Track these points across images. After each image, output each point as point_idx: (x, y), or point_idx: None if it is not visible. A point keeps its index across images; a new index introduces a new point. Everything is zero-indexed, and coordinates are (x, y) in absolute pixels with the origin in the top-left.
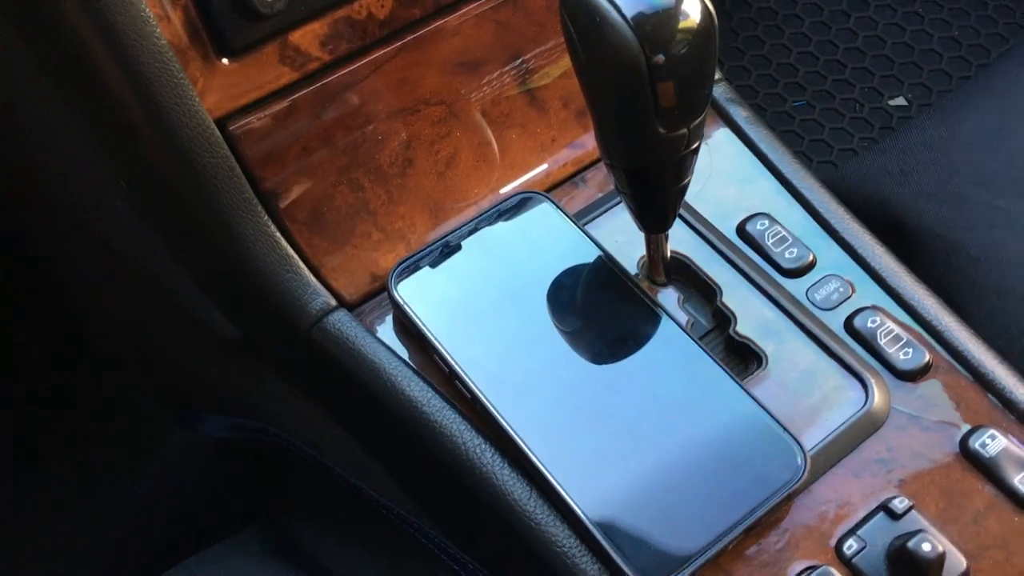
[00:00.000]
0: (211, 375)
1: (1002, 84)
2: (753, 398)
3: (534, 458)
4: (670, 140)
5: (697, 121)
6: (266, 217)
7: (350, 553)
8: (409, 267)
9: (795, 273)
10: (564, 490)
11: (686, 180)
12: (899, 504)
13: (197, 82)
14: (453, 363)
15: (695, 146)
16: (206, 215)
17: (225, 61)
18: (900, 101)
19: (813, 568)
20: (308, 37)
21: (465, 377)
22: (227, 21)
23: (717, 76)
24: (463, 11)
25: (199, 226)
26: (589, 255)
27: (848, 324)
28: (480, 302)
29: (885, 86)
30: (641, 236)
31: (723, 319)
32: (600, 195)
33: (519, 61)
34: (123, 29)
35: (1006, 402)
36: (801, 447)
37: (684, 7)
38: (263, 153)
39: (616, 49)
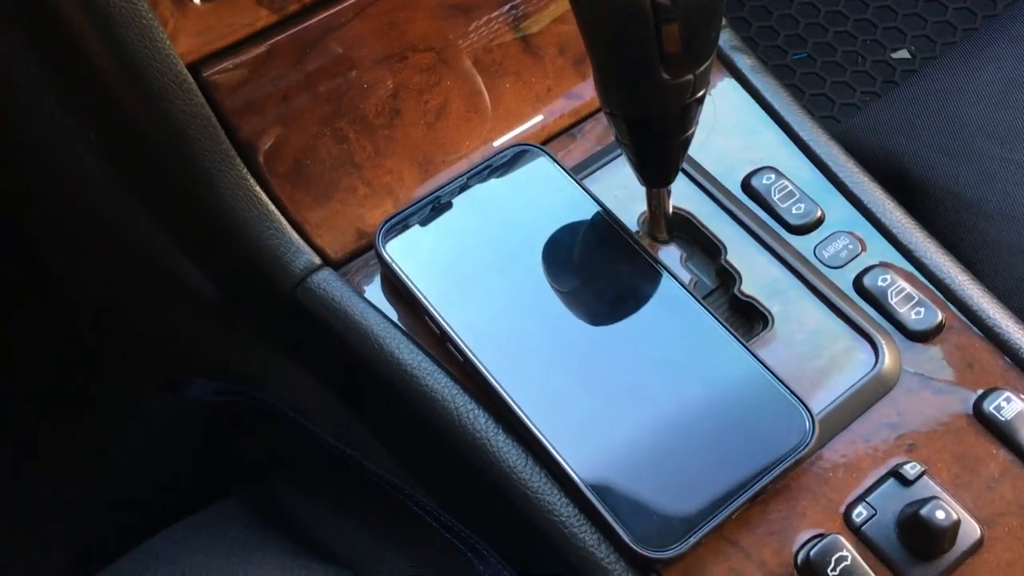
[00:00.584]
0: (194, 338)
1: (1014, 34)
2: (758, 360)
3: (529, 423)
4: (675, 87)
5: (704, 67)
6: (244, 170)
7: (340, 520)
8: (397, 224)
9: (802, 230)
10: (560, 456)
11: (691, 131)
12: (910, 470)
13: (167, 23)
14: (444, 324)
15: (700, 94)
16: (180, 167)
17: (197, 1)
18: (903, 54)
19: (821, 536)
20: None
21: (457, 339)
22: None
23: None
24: None
25: (173, 179)
26: (587, 211)
27: (857, 283)
28: (472, 260)
29: (888, 38)
30: (642, 191)
31: (727, 278)
32: (599, 148)
33: (513, 4)
34: None
35: (1022, 363)
36: (809, 411)
37: None
38: (240, 101)
39: None
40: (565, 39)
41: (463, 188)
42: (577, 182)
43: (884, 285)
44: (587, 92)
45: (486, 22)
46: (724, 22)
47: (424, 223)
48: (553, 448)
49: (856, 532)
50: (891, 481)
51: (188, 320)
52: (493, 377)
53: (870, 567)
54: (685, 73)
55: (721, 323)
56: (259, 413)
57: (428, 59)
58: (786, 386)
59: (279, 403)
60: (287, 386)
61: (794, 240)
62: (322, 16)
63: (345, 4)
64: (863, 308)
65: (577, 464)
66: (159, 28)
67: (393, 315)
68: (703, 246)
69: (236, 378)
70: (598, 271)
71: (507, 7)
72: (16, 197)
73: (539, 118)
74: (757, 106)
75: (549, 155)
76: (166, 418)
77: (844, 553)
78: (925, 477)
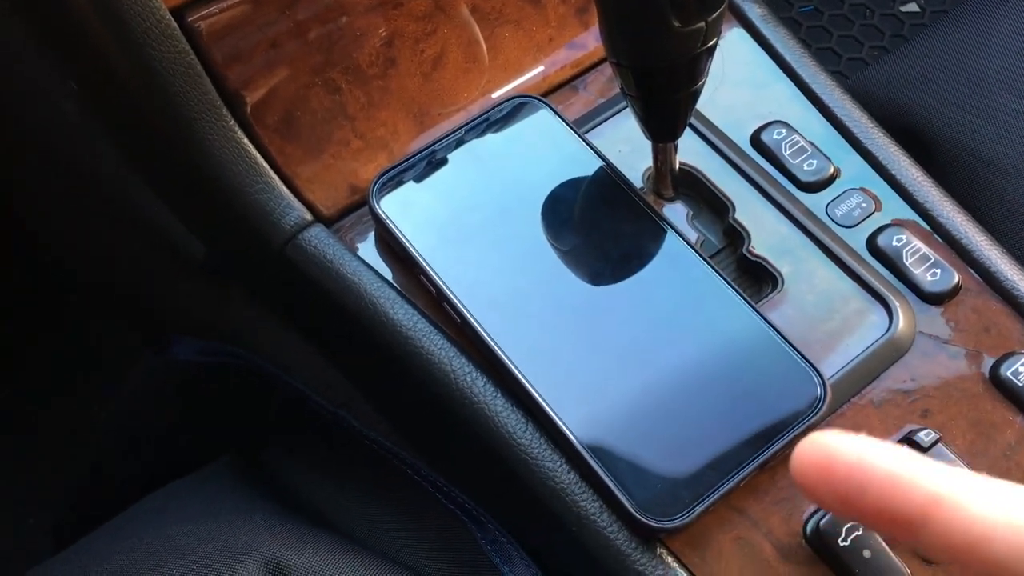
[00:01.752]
0: (178, 295)
1: None
2: (768, 322)
3: (529, 386)
4: (685, 35)
5: (716, 14)
6: (232, 121)
7: (333, 484)
8: (392, 179)
9: (814, 187)
10: (561, 420)
11: (700, 82)
12: (925, 437)
13: None
14: (441, 283)
15: (712, 43)
16: (164, 118)
17: None
18: (912, 7)
19: None
20: None
21: (454, 299)
22: None
23: None
24: None
25: (157, 131)
26: (590, 166)
27: (871, 243)
28: (470, 217)
29: None
30: (647, 146)
31: (735, 237)
32: (602, 101)
33: None
34: None
35: None
36: (820, 375)
37: None
38: (226, 48)
39: None
40: None
41: (460, 142)
42: (579, 136)
43: (899, 245)
44: (591, 42)
45: None
46: None
47: (420, 178)
48: (553, 412)
49: None
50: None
51: (174, 279)
52: (491, 338)
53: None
54: (696, 20)
55: (729, 283)
56: (248, 374)
57: (424, 6)
58: (796, 349)
59: (268, 364)
60: (276, 346)
61: (805, 198)
62: None
63: None
64: (876, 269)
65: (578, 429)
66: None
67: (388, 274)
68: (710, 203)
69: (222, 338)
70: (601, 229)
71: None
72: None
73: (540, 69)
74: (768, 58)
75: (550, 107)
76: (151, 382)
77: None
78: (940, 444)
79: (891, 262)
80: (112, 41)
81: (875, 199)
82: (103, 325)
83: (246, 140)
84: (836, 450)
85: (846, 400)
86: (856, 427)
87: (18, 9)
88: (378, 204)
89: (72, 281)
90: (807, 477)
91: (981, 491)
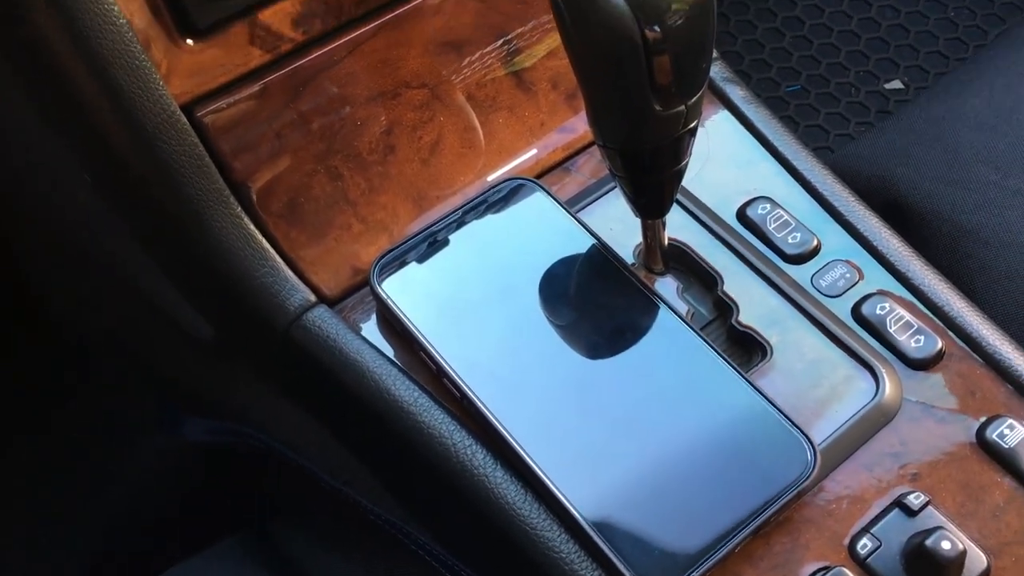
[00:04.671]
0: (188, 376)
1: (1006, 62)
2: (758, 391)
3: (528, 458)
4: (667, 119)
5: (695, 99)
6: (239, 208)
7: (338, 560)
8: (392, 260)
9: (799, 259)
10: (560, 491)
11: (684, 162)
12: (915, 500)
13: (161, 65)
14: (441, 360)
15: (693, 125)
16: (175, 207)
17: (190, 42)
18: (896, 84)
19: (826, 569)
20: (279, 16)
21: (453, 374)
22: None
23: (714, 54)
24: None
25: (168, 219)
26: (583, 244)
27: (856, 311)
28: (468, 295)
29: (881, 69)
30: (637, 223)
31: (725, 308)
32: (593, 181)
33: (504, 40)
34: (78, 8)
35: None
36: (810, 442)
37: None
38: (234, 140)
39: (608, 21)
40: (557, 74)
41: (458, 223)
42: (572, 215)
43: (883, 313)
44: (580, 126)
45: (479, 58)
46: (716, 54)
47: (419, 259)
48: (552, 483)
49: (861, 564)
50: (896, 511)
51: (181, 358)
52: (490, 412)
53: None
54: (677, 104)
55: (720, 354)
56: (254, 452)
57: (421, 96)
58: (787, 417)
59: (274, 442)
60: (282, 424)
61: (791, 270)
62: (315, 55)
63: (338, 42)
64: (862, 337)
65: (577, 499)
66: (152, 70)
67: (389, 352)
68: (700, 277)
69: (230, 417)
70: (595, 304)
71: (499, 43)
72: (6, 231)
73: (533, 152)
74: (751, 136)
75: (544, 189)
76: (159, 460)
77: None
78: (930, 507)
79: (876, 330)
80: (125, 136)
81: (858, 269)
82: (116, 402)
83: (252, 226)
84: None
85: (837, 465)
86: (847, 491)
87: (36, 106)
88: (379, 284)
89: (87, 357)
90: None
91: None
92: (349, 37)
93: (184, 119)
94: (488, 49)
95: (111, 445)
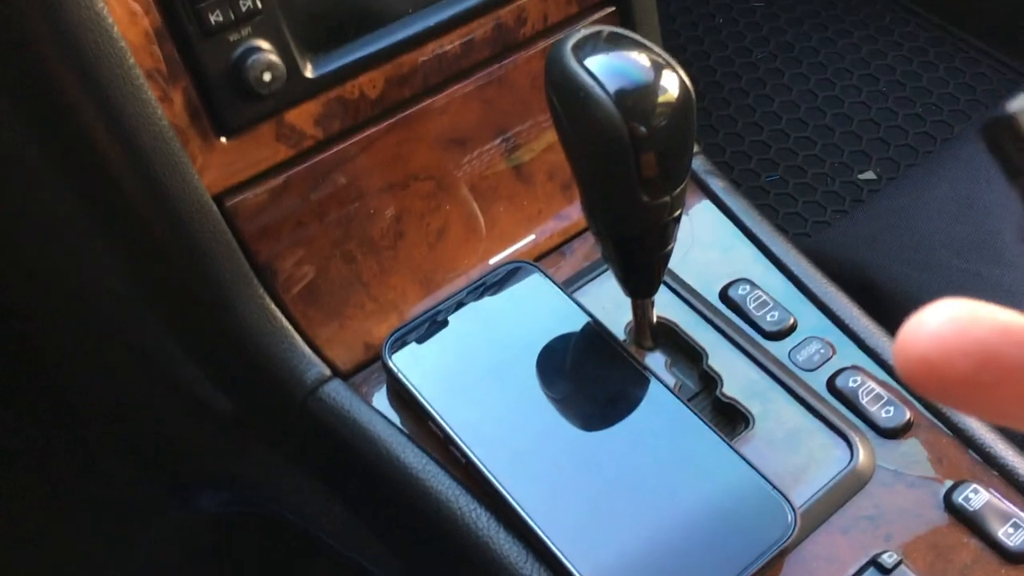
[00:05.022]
0: (203, 448)
1: (966, 154)
2: (742, 457)
3: (529, 520)
4: (654, 208)
5: (679, 190)
6: (262, 290)
7: None
8: (402, 336)
9: (777, 336)
10: (560, 552)
11: (670, 246)
12: (888, 559)
13: (196, 160)
14: (447, 429)
15: (677, 214)
16: (202, 287)
17: (223, 140)
18: (869, 175)
19: None
20: (303, 116)
21: (459, 442)
22: (226, 102)
23: (695, 149)
24: (451, 90)
25: (195, 298)
26: (578, 322)
27: (830, 384)
28: (473, 369)
29: (854, 161)
30: (628, 302)
31: (710, 381)
32: (587, 264)
33: (505, 136)
34: (125, 110)
35: (986, 457)
36: (791, 504)
37: (663, 83)
38: (259, 227)
39: (601, 123)
40: (553, 166)
41: (462, 303)
42: (568, 295)
43: (855, 386)
44: (575, 214)
45: (481, 153)
46: (698, 148)
47: (427, 336)
48: (553, 545)
49: None
50: (871, 570)
51: (198, 430)
52: (494, 477)
53: None
54: (662, 195)
55: (706, 423)
56: (269, 523)
57: (428, 187)
58: (768, 481)
59: (286, 511)
60: (295, 493)
61: (770, 345)
62: (334, 150)
63: (354, 139)
64: (837, 408)
65: (576, 560)
66: (189, 164)
67: (399, 422)
68: (686, 352)
69: (243, 487)
70: (590, 377)
71: (500, 139)
72: (31, 305)
73: (531, 238)
74: (731, 223)
75: (541, 271)
76: (173, 530)
77: None
78: (903, 566)
79: (849, 401)
80: (162, 224)
81: (832, 346)
82: (132, 475)
83: (274, 306)
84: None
85: (816, 526)
86: (825, 551)
87: (79, 195)
88: (390, 359)
89: (98, 431)
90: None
91: None
92: (364, 135)
93: (215, 208)
94: (490, 145)
95: (126, 526)
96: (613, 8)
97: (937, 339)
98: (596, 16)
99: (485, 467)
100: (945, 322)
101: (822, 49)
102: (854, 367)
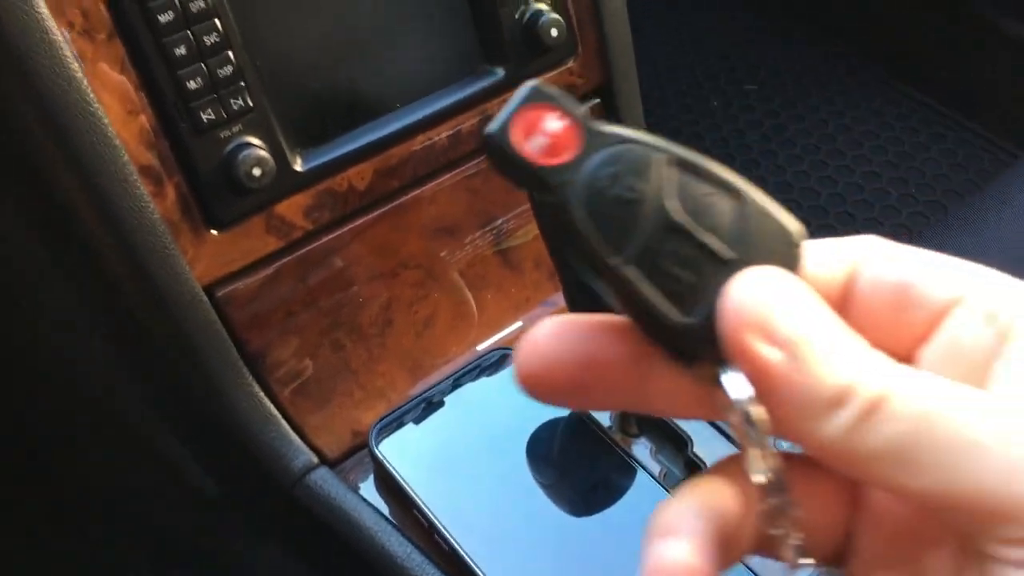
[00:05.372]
0: (189, 531)
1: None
2: None
3: None
4: None
5: None
6: (251, 378)
7: None
8: (389, 424)
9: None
10: None
11: None
12: None
13: (187, 252)
14: (432, 518)
15: None
16: (192, 375)
17: (214, 232)
18: None
19: None
20: (293, 208)
21: (444, 531)
22: (217, 196)
23: None
24: (439, 181)
25: (184, 385)
26: (563, 409)
27: None
28: (459, 456)
29: None
30: None
31: (695, 468)
32: None
33: (492, 225)
34: (119, 205)
35: None
36: None
37: None
38: (249, 316)
39: None
40: (539, 254)
41: (450, 389)
42: None
43: None
44: (561, 300)
45: (470, 241)
46: None
47: (414, 422)
48: None
49: None
50: None
51: (182, 511)
52: (477, 567)
53: None
54: None
55: None
56: None
57: (418, 275)
58: (752, 572)
59: None
60: (277, 571)
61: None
62: (323, 240)
63: (344, 229)
64: None
65: None
66: (180, 256)
67: (385, 509)
68: (671, 439)
69: (223, 568)
70: (575, 464)
71: (487, 228)
72: (21, 386)
73: (519, 324)
74: None
75: None
76: None
77: None
78: None
79: None
80: (153, 313)
81: None
82: (106, 554)
83: (263, 395)
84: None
85: None
86: None
87: (74, 285)
88: (376, 447)
89: (79, 509)
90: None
91: None
92: (354, 224)
93: (206, 299)
94: (478, 233)
95: None
96: (598, 100)
97: (539, 353)
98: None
99: (468, 556)
100: (543, 336)
101: (815, 131)
102: None
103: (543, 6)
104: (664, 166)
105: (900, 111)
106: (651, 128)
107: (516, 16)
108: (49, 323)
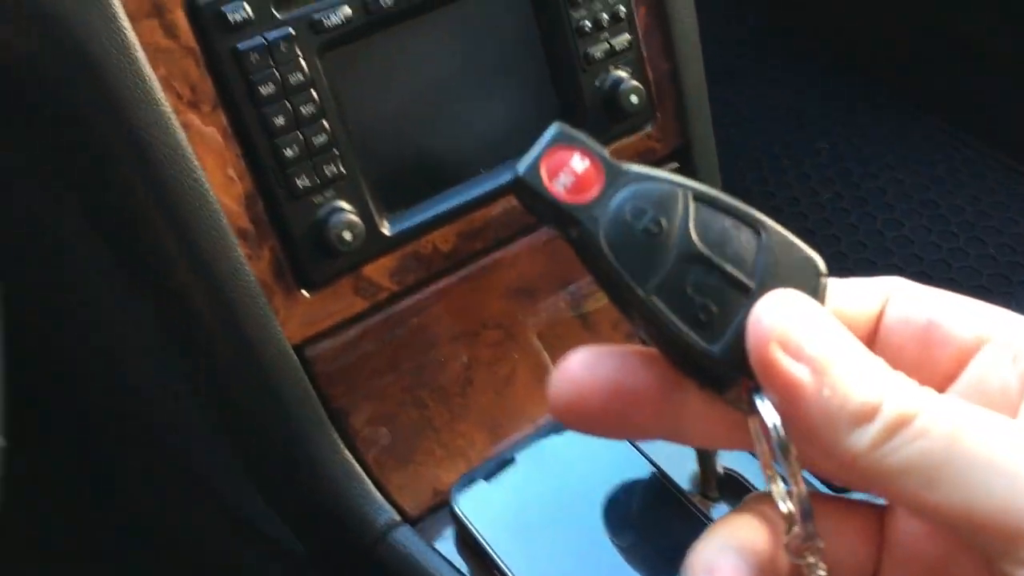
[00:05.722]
0: None
1: None
2: None
3: None
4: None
5: None
6: (336, 435)
7: None
8: (469, 483)
9: (846, 488)
10: None
11: None
12: None
13: (279, 313)
14: None
15: None
16: (279, 432)
17: (305, 293)
18: None
19: None
20: (379, 270)
21: None
22: (309, 259)
23: None
24: (519, 244)
25: (271, 441)
26: (643, 470)
27: None
28: (538, 516)
29: None
30: (693, 452)
31: None
32: None
33: (571, 288)
34: (216, 267)
35: None
36: None
37: None
38: (335, 374)
39: None
40: (618, 316)
41: (529, 450)
42: (633, 444)
43: None
44: None
45: (548, 303)
46: None
47: (493, 482)
48: None
49: None
50: None
51: (267, 570)
52: None
53: None
54: None
55: None
56: None
57: (497, 335)
58: None
59: None
60: None
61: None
62: (407, 302)
63: (427, 291)
64: None
65: None
66: (273, 318)
67: (464, 568)
68: None
69: None
70: (654, 528)
71: (565, 290)
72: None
73: None
74: None
75: None
76: None
77: None
78: None
79: None
80: (246, 373)
81: None
82: None
83: (347, 452)
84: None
85: None
86: None
87: (172, 345)
88: (457, 506)
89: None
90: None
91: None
92: (437, 286)
93: (296, 358)
94: (557, 295)
95: None
96: (677, 164)
97: (572, 380)
98: None
99: None
100: (576, 364)
101: (889, 189)
102: None
103: (623, 73)
104: (686, 200)
105: (976, 169)
106: (727, 188)
107: (597, 83)
108: (152, 387)
